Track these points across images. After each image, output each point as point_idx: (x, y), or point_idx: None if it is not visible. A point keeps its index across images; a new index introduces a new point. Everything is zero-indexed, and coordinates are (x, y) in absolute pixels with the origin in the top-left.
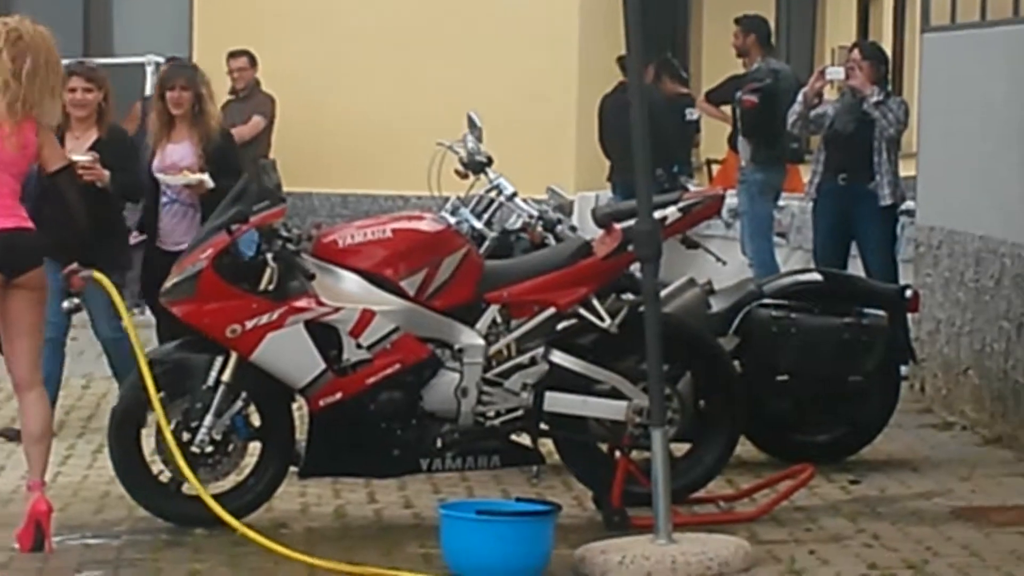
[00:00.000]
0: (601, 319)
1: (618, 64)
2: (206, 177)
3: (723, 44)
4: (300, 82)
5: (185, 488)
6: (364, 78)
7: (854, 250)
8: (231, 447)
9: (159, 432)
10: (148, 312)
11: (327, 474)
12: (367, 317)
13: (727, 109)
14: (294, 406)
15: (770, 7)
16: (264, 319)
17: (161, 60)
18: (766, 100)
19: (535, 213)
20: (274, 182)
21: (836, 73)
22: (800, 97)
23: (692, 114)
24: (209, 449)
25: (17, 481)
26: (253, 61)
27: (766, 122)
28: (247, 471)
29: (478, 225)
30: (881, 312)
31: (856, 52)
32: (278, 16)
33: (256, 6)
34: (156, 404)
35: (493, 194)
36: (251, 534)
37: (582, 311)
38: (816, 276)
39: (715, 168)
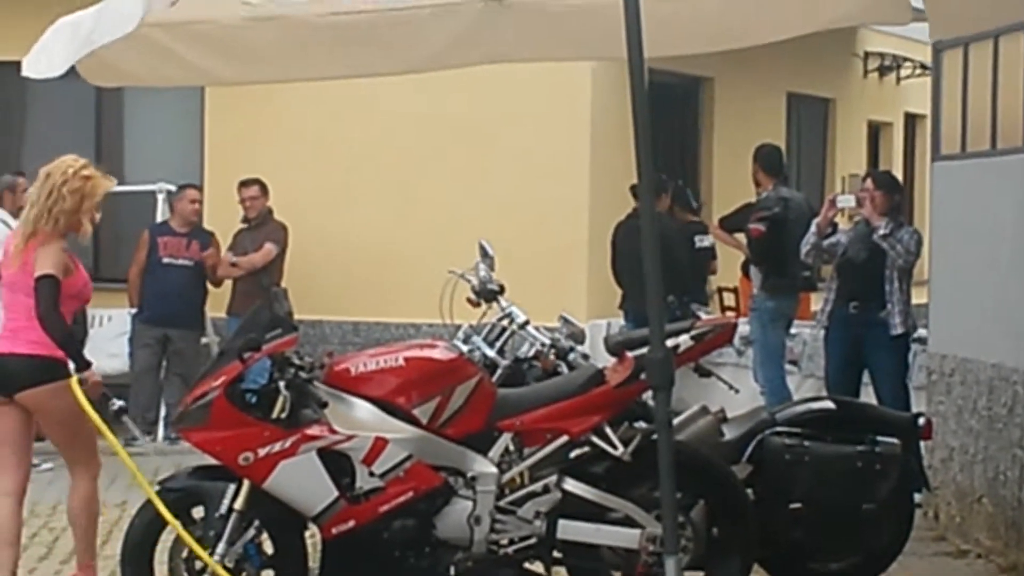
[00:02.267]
0: (614, 447)
1: (631, 192)
2: None
3: (734, 170)
4: (311, 210)
5: None
6: (375, 206)
7: (866, 378)
8: (244, 575)
9: (172, 559)
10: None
11: None
12: (380, 445)
13: (741, 236)
14: (307, 534)
15: (780, 135)
16: (277, 447)
17: (173, 188)
18: (774, 228)
19: (547, 341)
20: (286, 310)
21: (847, 201)
22: (813, 227)
23: (702, 241)
24: None
25: None
26: (264, 190)
27: (775, 250)
28: None
29: (490, 353)
30: (894, 440)
31: (869, 182)
32: (289, 144)
33: (267, 134)
34: (174, 523)
35: (505, 322)
36: None
37: (595, 439)
38: (829, 404)
39: (726, 296)
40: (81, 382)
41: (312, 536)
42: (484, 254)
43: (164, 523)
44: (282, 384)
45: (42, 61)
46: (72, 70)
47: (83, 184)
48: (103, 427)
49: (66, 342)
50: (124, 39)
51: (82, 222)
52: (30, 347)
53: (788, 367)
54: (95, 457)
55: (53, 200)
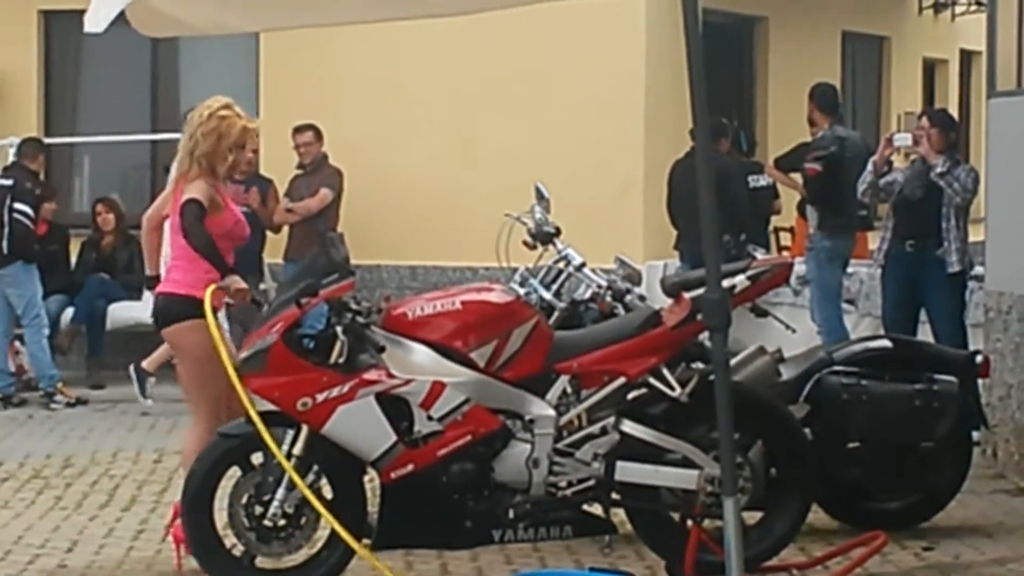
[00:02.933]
0: (671, 388)
1: (690, 135)
2: None
3: (789, 110)
4: (367, 154)
5: (258, 561)
6: (431, 150)
7: (923, 316)
8: (304, 520)
9: (231, 505)
10: None
11: (399, 546)
12: (438, 389)
13: (797, 176)
14: (366, 479)
15: (835, 73)
16: (335, 392)
17: None
18: (830, 168)
19: (604, 283)
20: (342, 255)
21: (903, 140)
22: (869, 166)
23: (756, 181)
24: (282, 522)
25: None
26: (319, 135)
27: (831, 190)
28: (320, 544)
29: (547, 296)
30: (952, 378)
31: (924, 120)
32: (344, 88)
33: (322, 79)
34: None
35: (561, 264)
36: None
37: (652, 380)
38: (886, 343)
39: (782, 235)
40: (225, 290)
41: (371, 481)
42: (540, 196)
43: (225, 468)
44: (340, 329)
45: (99, 14)
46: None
47: (218, 124)
48: (228, 364)
49: (209, 252)
50: None
51: (226, 161)
52: (172, 286)
53: (845, 306)
54: (219, 408)
55: (193, 143)
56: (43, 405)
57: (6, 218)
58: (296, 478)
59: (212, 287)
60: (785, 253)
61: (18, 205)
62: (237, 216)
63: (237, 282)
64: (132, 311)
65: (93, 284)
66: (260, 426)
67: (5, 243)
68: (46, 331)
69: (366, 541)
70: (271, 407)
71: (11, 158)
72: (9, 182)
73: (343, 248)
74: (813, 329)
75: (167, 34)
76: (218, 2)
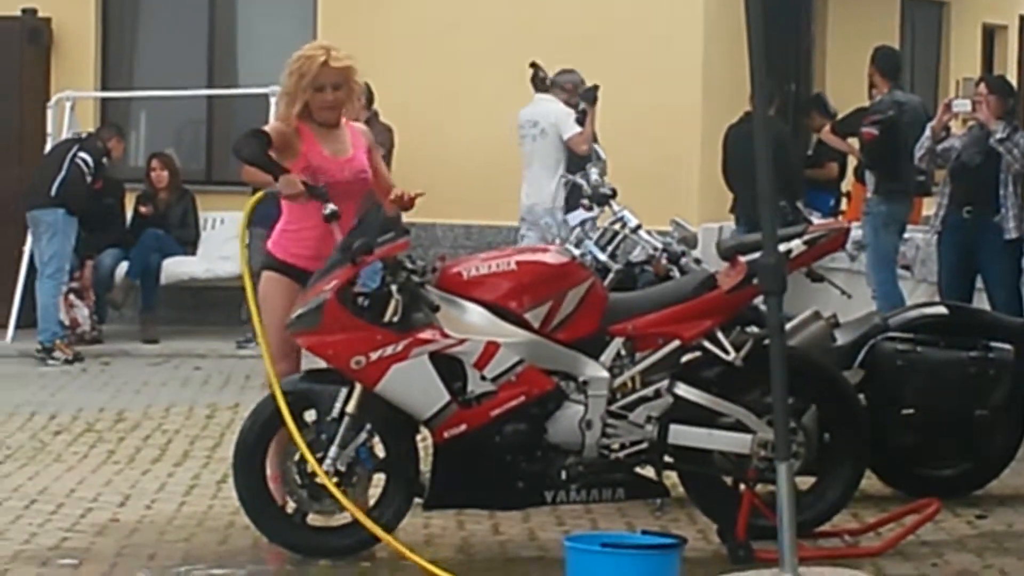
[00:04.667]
0: (726, 352)
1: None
2: None
3: (848, 76)
4: (423, 113)
5: (310, 519)
6: (486, 108)
7: (979, 283)
8: (355, 478)
9: (283, 463)
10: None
11: (451, 506)
12: (491, 349)
13: (855, 141)
14: (418, 438)
15: (895, 38)
16: (389, 351)
17: None
18: (887, 132)
19: (659, 245)
20: (396, 213)
21: (963, 106)
22: (927, 131)
23: None
24: (334, 480)
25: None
26: (370, 92)
27: (888, 154)
28: (372, 502)
29: (602, 257)
30: (1007, 346)
31: (983, 86)
32: (401, 45)
33: (379, 36)
34: (292, 429)
35: (617, 226)
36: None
37: (707, 344)
38: (942, 309)
39: (840, 200)
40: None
41: (424, 440)
42: (596, 158)
43: (277, 425)
44: (394, 288)
45: None
46: None
47: (299, 64)
48: (254, 312)
49: (255, 159)
50: None
51: (302, 102)
52: (271, 244)
53: (901, 272)
54: (280, 362)
55: (282, 88)
56: (40, 360)
57: (66, 163)
58: (311, 458)
59: (259, 194)
60: (841, 218)
61: (82, 154)
62: (319, 163)
63: (289, 179)
64: (186, 266)
65: (147, 239)
66: (283, 406)
67: (56, 186)
68: (64, 287)
69: (418, 500)
70: (324, 364)
71: (68, 112)
72: (81, 134)
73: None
74: (869, 294)
75: None
76: None
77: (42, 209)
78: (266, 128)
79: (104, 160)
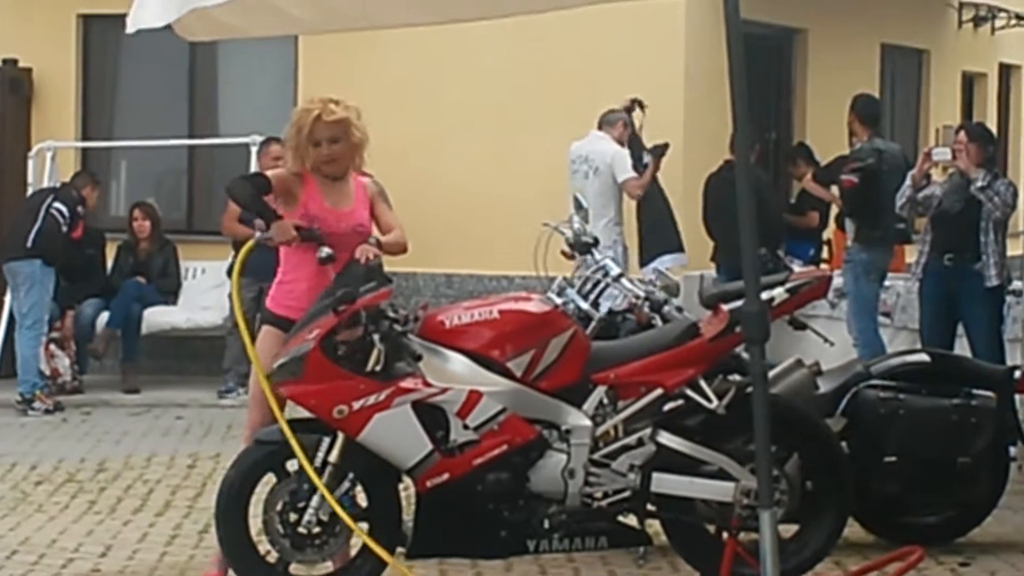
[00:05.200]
0: (708, 400)
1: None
2: None
3: (828, 122)
4: (403, 161)
5: (292, 568)
6: (468, 157)
7: (960, 330)
8: (338, 528)
9: (266, 512)
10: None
11: (434, 555)
12: (474, 398)
13: (836, 189)
14: (401, 487)
15: (874, 86)
16: (371, 400)
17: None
18: (867, 180)
19: (641, 294)
20: (377, 262)
21: (943, 154)
22: (908, 180)
23: None
24: (316, 530)
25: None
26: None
27: (868, 202)
28: (355, 552)
29: (584, 306)
30: (989, 393)
31: (962, 134)
32: (382, 94)
33: (360, 85)
34: (307, 464)
35: (599, 275)
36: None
37: (689, 392)
38: (924, 357)
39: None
40: (267, 241)
41: (406, 489)
42: (578, 206)
43: (260, 475)
44: (376, 337)
45: (142, 14)
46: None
47: (298, 117)
48: (250, 347)
49: (248, 202)
50: None
51: (308, 155)
52: (269, 300)
53: (881, 319)
54: (254, 413)
55: (286, 141)
56: (20, 412)
57: (41, 213)
58: (325, 492)
59: (251, 243)
60: (823, 266)
61: (57, 204)
62: (314, 214)
63: (283, 225)
64: (167, 316)
65: (129, 288)
66: (290, 436)
67: (32, 237)
68: (43, 338)
69: (400, 550)
70: (306, 414)
71: (48, 162)
72: (56, 184)
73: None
74: (849, 342)
75: (206, 38)
76: (257, 5)
77: (19, 261)
78: (268, 173)
79: (79, 208)
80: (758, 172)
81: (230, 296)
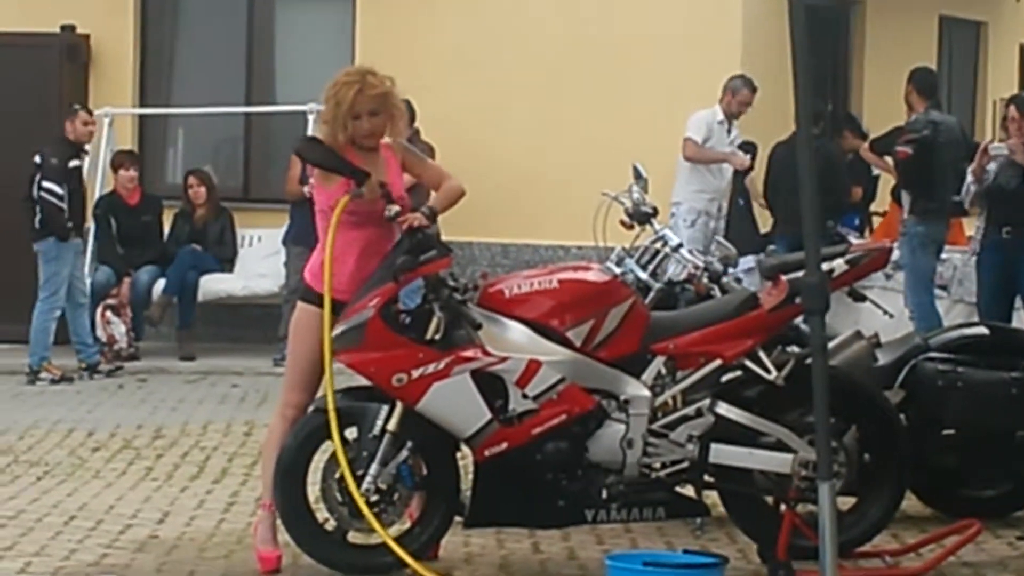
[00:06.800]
0: (767, 371)
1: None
2: None
3: (885, 95)
4: (461, 130)
5: (350, 536)
6: (526, 127)
7: (1019, 303)
8: (396, 496)
9: (324, 479)
10: None
11: (492, 524)
12: (533, 367)
13: (892, 161)
14: (459, 456)
15: (931, 58)
16: (430, 368)
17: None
18: (922, 151)
19: (700, 264)
20: (434, 231)
21: (999, 149)
22: (969, 176)
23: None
24: (375, 498)
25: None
26: (411, 110)
27: (923, 174)
28: (411, 521)
29: (643, 276)
30: None
31: (1012, 108)
32: (439, 62)
33: (418, 53)
34: (339, 448)
35: (658, 245)
36: (426, 572)
37: (748, 363)
38: (983, 329)
39: (875, 220)
40: (359, 197)
41: (464, 458)
42: (638, 176)
43: (318, 443)
44: (436, 305)
45: None
46: None
47: (335, 91)
48: (328, 340)
49: (328, 161)
50: None
51: (346, 130)
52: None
53: (937, 291)
54: (291, 393)
55: (322, 115)
56: (29, 381)
57: (36, 195)
58: (349, 477)
59: (344, 199)
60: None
61: (45, 183)
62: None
63: (370, 185)
64: (223, 283)
65: (185, 256)
66: (332, 419)
67: (38, 219)
68: (57, 312)
69: (458, 519)
70: (366, 382)
71: (106, 129)
72: (37, 159)
73: (434, 225)
74: (905, 314)
75: None
76: None
77: (36, 242)
78: (313, 137)
79: (71, 164)
80: (830, 144)
81: (286, 264)
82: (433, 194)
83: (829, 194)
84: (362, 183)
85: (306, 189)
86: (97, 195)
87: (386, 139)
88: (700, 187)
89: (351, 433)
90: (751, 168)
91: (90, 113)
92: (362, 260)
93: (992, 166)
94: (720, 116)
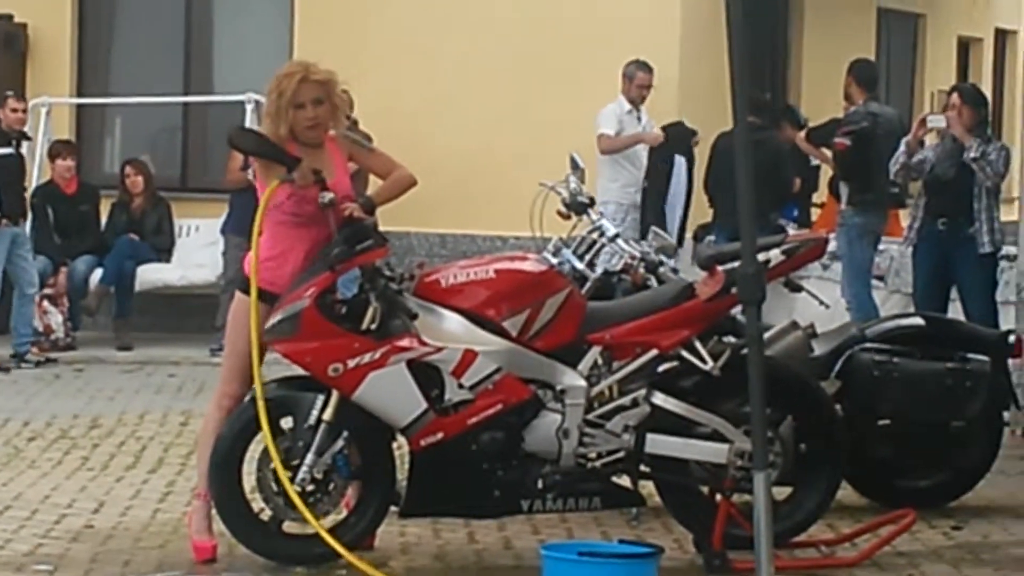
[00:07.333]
0: (703, 361)
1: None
2: None
3: (823, 86)
4: (399, 120)
5: (286, 526)
6: (464, 116)
7: (954, 294)
8: (332, 486)
9: (260, 469)
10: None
11: (427, 514)
12: (469, 357)
13: (829, 151)
14: (395, 446)
15: (870, 50)
16: (366, 358)
17: (261, 99)
18: (860, 143)
19: (637, 254)
20: (371, 222)
21: (937, 121)
22: (902, 146)
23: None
24: (310, 488)
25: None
26: (349, 99)
27: (861, 165)
28: (347, 510)
29: (580, 266)
30: (984, 357)
31: (955, 96)
32: (378, 52)
33: (356, 43)
34: (269, 440)
35: (595, 235)
36: (360, 563)
37: (684, 353)
38: (918, 320)
39: (815, 212)
40: (290, 183)
41: (400, 448)
42: (575, 166)
43: (253, 433)
44: (373, 295)
45: None
46: None
47: (278, 83)
48: (255, 328)
49: (261, 148)
50: None
51: (287, 120)
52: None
53: (874, 282)
54: (228, 383)
55: (265, 110)
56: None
57: None
58: (283, 474)
59: (274, 183)
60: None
61: None
62: (299, 185)
63: (305, 172)
64: (161, 273)
65: (122, 245)
66: (261, 409)
67: None
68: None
69: (394, 509)
70: (302, 372)
71: (43, 119)
72: None
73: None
74: (842, 304)
75: None
76: None
77: None
78: (258, 130)
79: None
80: (778, 137)
81: (224, 254)
82: (373, 184)
83: (775, 186)
84: (292, 168)
85: (250, 172)
86: (34, 185)
87: (332, 132)
88: (623, 181)
89: (287, 423)
90: (695, 144)
91: (20, 100)
92: (308, 261)
93: (929, 155)
94: (626, 106)
